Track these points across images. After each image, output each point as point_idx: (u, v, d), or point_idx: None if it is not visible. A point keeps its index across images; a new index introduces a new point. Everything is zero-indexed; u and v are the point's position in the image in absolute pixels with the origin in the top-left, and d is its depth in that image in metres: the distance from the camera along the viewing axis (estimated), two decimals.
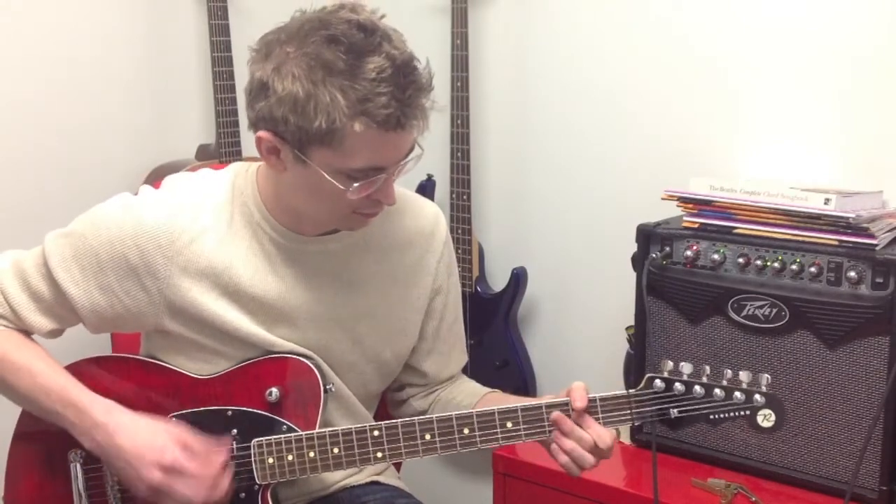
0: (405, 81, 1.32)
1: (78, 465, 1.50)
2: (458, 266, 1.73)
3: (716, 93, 2.17)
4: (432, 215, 1.63)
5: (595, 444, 1.40)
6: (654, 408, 1.43)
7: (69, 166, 2.39)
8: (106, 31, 2.45)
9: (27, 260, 1.52)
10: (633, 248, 1.94)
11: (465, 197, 2.41)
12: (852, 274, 1.71)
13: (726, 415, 1.41)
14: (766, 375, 1.41)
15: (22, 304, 1.50)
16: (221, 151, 2.44)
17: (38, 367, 1.47)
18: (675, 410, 1.42)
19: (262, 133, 1.37)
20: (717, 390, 1.41)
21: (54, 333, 1.55)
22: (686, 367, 1.42)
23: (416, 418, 1.44)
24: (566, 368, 2.47)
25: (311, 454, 1.45)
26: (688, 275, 1.87)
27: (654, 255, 1.90)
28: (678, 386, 1.42)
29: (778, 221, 1.81)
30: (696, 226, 1.89)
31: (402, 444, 1.44)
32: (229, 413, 1.49)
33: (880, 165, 1.98)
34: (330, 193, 1.38)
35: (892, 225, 1.80)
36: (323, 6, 1.38)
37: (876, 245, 1.71)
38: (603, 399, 1.43)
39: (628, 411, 1.43)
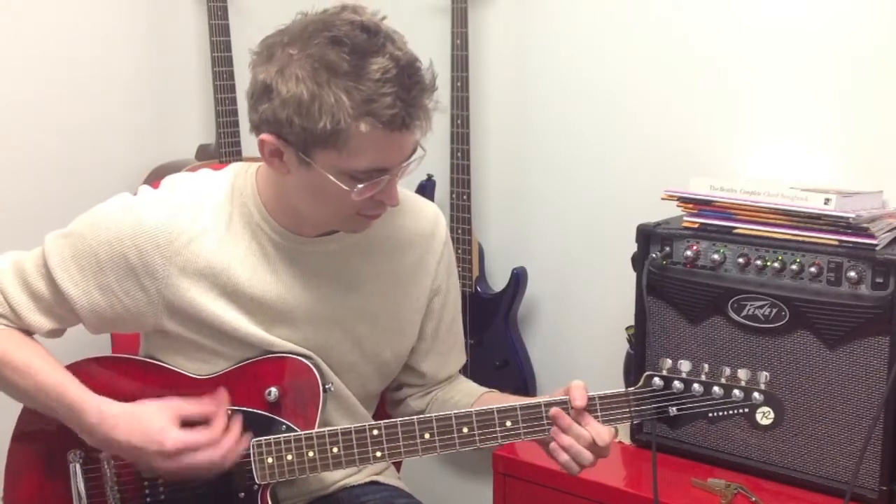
0: (410, 82, 1.32)
1: (77, 465, 1.50)
2: (458, 266, 1.73)
3: (716, 93, 2.17)
4: (432, 216, 1.64)
5: (593, 441, 1.40)
6: (652, 406, 1.43)
7: (69, 166, 2.40)
8: (106, 31, 2.46)
9: (27, 260, 1.52)
10: (633, 248, 1.94)
11: (465, 197, 2.41)
12: (852, 274, 1.71)
13: (725, 413, 1.41)
14: (765, 373, 1.41)
15: (22, 303, 1.50)
16: (221, 151, 2.45)
17: (37, 366, 1.47)
18: (674, 408, 1.43)
19: (265, 136, 1.37)
20: (715, 388, 1.41)
21: (54, 333, 1.55)
22: (685, 365, 1.42)
23: (415, 417, 1.44)
24: (566, 368, 2.47)
25: (311, 454, 1.45)
26: (688, 275, 1.87)
27: (654, 255, 1.89)
28: (677, 384, 1.42)
29: (778, 221, 1.81)
30: (696, 226, 1.89)
31: (401, 444, 1.44)
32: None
33: (880, 165, 1.98)
34: (334, 195, 1.38)
35: (892, 225, 1.80)
36: (324, 8, 1.38)
37: (876, 245, 1.71)
38: (602, 397, 1.43)
39: (627, 409, 1.43)
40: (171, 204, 1.48)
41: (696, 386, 1.41)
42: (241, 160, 2.37)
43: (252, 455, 1.46)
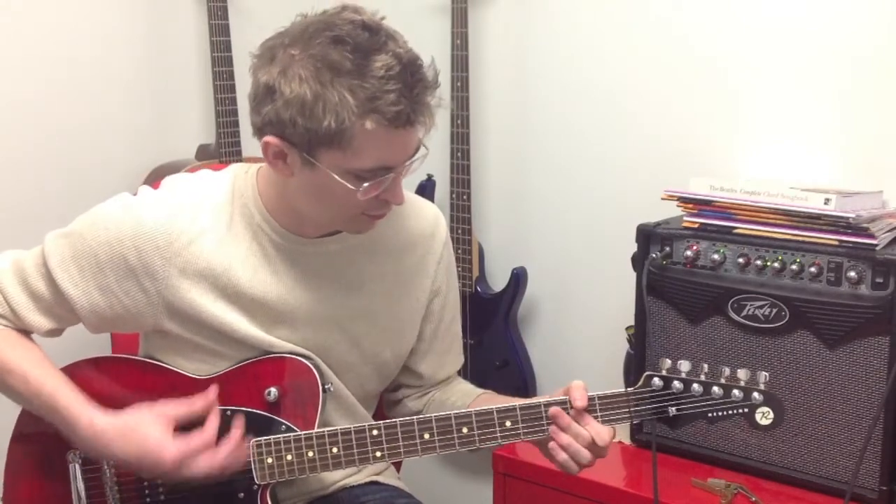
0: (413, 79, 1.32)
1: (77, 466, 1.50)
2: (458, 266, 1.73)
3: (716, 93, 2.17)
4: (432, 217, 1.64)
5: (593, 440, 1.40)
6: (652, 406, 1.43)
7: (69, 166, 2.40)
8: (106, 31, 2.46)
9: (27, 260, 1.52)
10: (633, 248, 1.94)
11: (465, 197, 2.41)
12: (852, 274, 1.71)
13: (724, 413, 1.41)
14: (765, 373, 1.41)
15: (21, 303, 1.50)
16: (221, 151, 2.44)
17: (32, 372, 1.46)
18: (674, 408, 1.42)
19: (268, 138, 1.37)
20: (715, 388, 1.41)
21: (53, 333, 1.55)
22: (684, 365, 1.42)
23: (414, 418, 1.44)
24: (566, 368, 2.47)
25: (310, 454, 1.45)
26: (688, 275, 1.87)
27: (654, 255, 1.89)
28: (676, 384, 1.42)
29: (778, 221, 1.81)
30: (696, 226, 1.89)
31: (400, 444, 1.44)
32: (228, 413, 1.48)
33: (880, 165, 1.98)
34: (339, 195, 1.38)
35: (892, 225, 1.80)
36: (324, 10, 1.38)
37: (876, 245, 1.71)
38: (601, 397, 1.43)
39: (626, 409, 1.43)
40: (170, 205, 1.48)
41: (695, 386, 1.41)
42: (241, 160, 2.37)
43: (252, 455, 1.46)
